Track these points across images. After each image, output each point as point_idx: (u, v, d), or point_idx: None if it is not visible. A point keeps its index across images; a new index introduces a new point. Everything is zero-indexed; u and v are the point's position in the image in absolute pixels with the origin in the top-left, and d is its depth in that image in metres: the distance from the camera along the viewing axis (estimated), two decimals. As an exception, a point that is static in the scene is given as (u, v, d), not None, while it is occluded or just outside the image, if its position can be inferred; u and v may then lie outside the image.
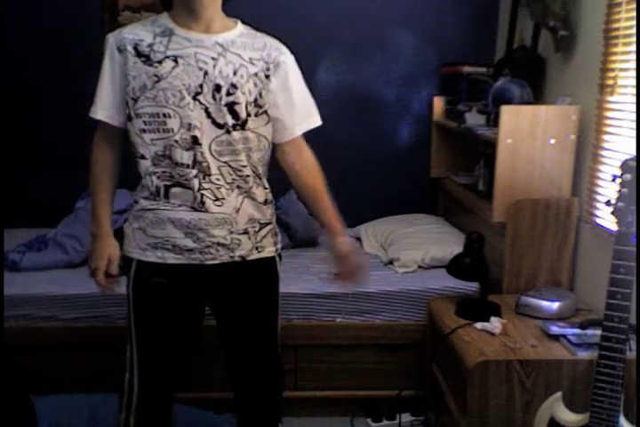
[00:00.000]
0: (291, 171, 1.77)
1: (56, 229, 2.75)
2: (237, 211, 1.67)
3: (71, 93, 3.08)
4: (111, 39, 1.61)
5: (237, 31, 1.64)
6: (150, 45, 1.58)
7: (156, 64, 1.56)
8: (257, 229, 1.72)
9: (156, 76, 1.56)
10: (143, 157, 1.62)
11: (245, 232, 1.69)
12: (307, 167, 1.76)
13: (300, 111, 1.73)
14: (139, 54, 1.57)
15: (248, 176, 1.66)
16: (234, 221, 1.67)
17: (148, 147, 1.61)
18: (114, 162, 1.70)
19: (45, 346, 2.35)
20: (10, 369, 1.98)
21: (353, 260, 1.74)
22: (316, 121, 1.77)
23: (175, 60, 1.56)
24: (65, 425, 2.18)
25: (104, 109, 1.63)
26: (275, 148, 1.77)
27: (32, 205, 3.10)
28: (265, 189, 1.73)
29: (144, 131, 1.60)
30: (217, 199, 1.63)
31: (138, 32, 1.60)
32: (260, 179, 1.71)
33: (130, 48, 1.58)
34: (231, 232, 1.67)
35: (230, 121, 1.60)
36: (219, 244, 1.66)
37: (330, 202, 1.75)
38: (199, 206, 1.62)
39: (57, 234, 2.70)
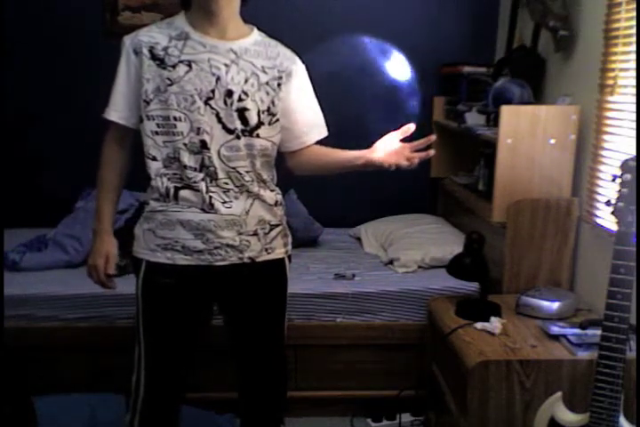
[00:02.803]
0: (301, 172, 1.82)
1: (56, 229, 2.75)
2: (247, 213, 1.67)
3: (71, 93, 3.09)
4: (127, 42, 1.62)
5: (252, 39, 1.65)
6: (165, 49, 1.59)
7: (170, 68, 1.57)
8: (267, 230, 1.72)
9: (169, 79, 1.57)
10: (155, 159, 1.63)
11: (255, 234, 1.69)
12: (318, 165, 1.79)
13: (309, 121, 1.76)
14: (153, 57, 1.59)
15: (252, 181, 1.67)
16: (243, 222, 1.67)
17: (159, 149, 1.62)
18: (123, 163, 1.71)
19: (45, 346, 2.34)
20: (10, 369, 1.99)
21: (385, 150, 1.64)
22: (323, 132, 1.79)
23: (189, 65, 1.57)
24: (65, 425, 2.18)
25: (117, 111, 1.65)
26: (283, 155, 1.79)
27: (32, 205, 3.10)
28: (272, 191, 1.74)
29: (157, 133, 1.61)
30: (225, 202, 1.64)
31: (153, 34, 1.61)
32: (265, 183, 1.71)
33: (145, 51, 1.59)
34: (240, 233, 1.67)
35: (239, 126, 1.61)
36: (227, 245, 1.66)
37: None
38: (208, 208, 1.63)
39: (57, 234, 2.70)
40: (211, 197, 1.62)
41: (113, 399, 2.19)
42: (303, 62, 1.74)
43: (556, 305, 2.08)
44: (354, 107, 3.16)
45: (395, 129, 1.65)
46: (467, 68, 2.92)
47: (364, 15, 3.13)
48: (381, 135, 1.67)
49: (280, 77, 1.66)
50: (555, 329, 1.93)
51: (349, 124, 3.17)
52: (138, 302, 1.71)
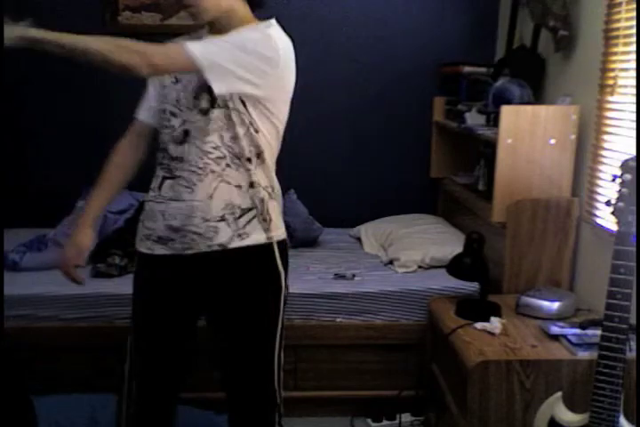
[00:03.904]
0: None
1: (56, 229, 2.76)
2: (210, 197, 1.59)
3: (71, 93, 3.08)
4: None
5: None
6: None
7: None
8: (237, 215, 1.62)
9: (175, 77, 1.63)
10: (161, 150, 1.68)
11: (222, 219, 1.61)
12: None
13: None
14: None
15: (221, 158, 1.59)
16: (207, 208, 1.60)
17: (164, 140, 1.66)
18: (131, 163, 1.75)
19: (45, 346, 2.35)
20: (10, 369, 1.98)
21: None
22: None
23: None
24: (65, 425, 2.18)
25: (142, 109, 1.73)
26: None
27: (32, 205, 3.10)
28: (247, 170, 1.61)
29: (164, 126, 1.66)
30: (188, 186, 1.60)
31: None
32: (239, 159, 1.60)
33: None
34: (206, 220, 1.60)
35: (206, 105, 1.57)
36: (194, 233, 1.60)
37: None
38: (175, 196, 1.61)
39: (57, 234, 2.71)
40: (177, 182, 1.61)
41: (113, 399, 2.19)
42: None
43: (556, 305, 2.08)
44: (353, 106, 3.16)
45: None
46: (467, 68, 2.92)
47: (363, 15, 3.13)
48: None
49: None
50: (555, 329, 1.93)
51: (348, 125, 3.18)
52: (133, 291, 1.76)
